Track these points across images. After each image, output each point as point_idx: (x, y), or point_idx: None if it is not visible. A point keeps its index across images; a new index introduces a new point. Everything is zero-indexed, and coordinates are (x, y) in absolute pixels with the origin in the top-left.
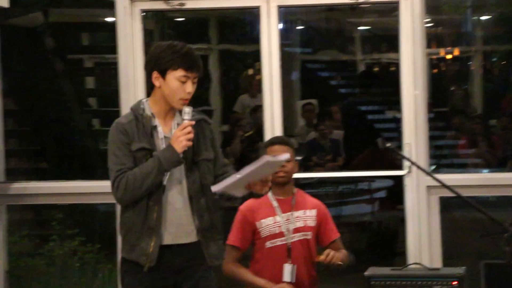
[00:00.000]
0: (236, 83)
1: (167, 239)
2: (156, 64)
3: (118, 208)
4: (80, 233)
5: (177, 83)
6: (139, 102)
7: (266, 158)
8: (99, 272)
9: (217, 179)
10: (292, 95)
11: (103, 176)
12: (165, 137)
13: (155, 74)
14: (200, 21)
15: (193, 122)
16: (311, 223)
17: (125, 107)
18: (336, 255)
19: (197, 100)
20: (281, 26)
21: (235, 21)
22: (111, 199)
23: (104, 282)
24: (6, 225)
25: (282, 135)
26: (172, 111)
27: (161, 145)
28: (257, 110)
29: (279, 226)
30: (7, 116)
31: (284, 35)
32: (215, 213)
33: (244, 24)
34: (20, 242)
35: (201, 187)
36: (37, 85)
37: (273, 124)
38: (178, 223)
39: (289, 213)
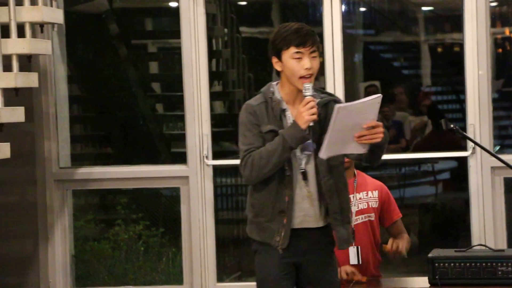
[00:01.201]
0: None
1: (296, 223)
2: (272, 49)
3: (181, 192)
4: (145, 217)
5: (293, 62)
6: (269, 85)
7: (337, 106)
8: (163, 256)
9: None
10: (355, 77)
11: (167, 161)
12: (294, 121)
13: (274, 59)
14: (262, 4)
15: (315, 99)
16: (374, 204)
17: (189, 92)
18: (401, 245)
19: (260, 83)
20: (343, 8)
21: (298, 3)
22: (175, 183)
23: (168, 265)
24: (72, 209)
25: None
26: (300, 95)
27: None
28: None
29: None
30: (73, 102)
31: (347, 17)
32: (344, 196)
33: (307, 6)
34: (86, 227)
35: (329, 169)
36: (102, 71)
37: None
38: (308, 207)
39: (351, 195)
